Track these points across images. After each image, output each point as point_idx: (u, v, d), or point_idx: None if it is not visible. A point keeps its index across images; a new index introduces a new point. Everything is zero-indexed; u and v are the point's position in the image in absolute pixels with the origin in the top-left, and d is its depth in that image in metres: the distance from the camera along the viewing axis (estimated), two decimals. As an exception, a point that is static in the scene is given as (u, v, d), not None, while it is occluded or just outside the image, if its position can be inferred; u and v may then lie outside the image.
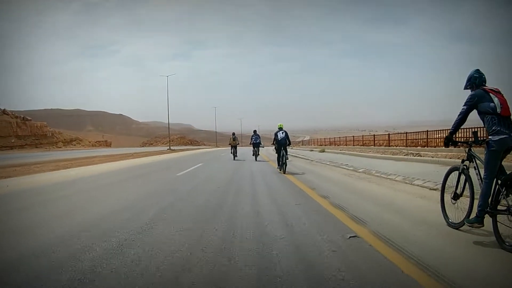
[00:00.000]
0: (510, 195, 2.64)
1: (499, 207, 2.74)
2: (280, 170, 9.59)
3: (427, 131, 15.07)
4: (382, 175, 7.66)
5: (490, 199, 2.79)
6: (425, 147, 14.56)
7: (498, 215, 2.72)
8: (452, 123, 3.18)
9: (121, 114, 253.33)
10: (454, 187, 3.32)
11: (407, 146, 16.03)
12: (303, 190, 6.02)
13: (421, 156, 11.45)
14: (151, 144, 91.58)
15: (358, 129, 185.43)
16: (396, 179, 6.95)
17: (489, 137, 2.85)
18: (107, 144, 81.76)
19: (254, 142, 15.67)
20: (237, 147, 17.63)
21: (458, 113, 3.08)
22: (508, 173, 2.76)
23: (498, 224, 2.69)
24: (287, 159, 9.78)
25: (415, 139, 16.15)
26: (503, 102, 2.86)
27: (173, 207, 4.58)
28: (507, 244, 2.57)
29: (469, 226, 2.94)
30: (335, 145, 29.86)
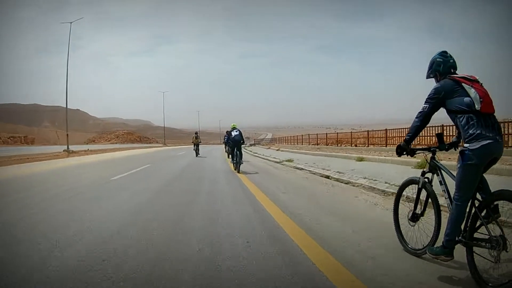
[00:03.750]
0: (493, 221, 1.98)
1: (476, 235, 2.07)
2: (235, 169, 9.55)
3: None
4: None
5: (463, 226, 2.14)
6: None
7: (475, 247, 2.05)
8: (409, 127, 2.37)
9: (78, 110, 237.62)
10: (412, 205, 2.63)
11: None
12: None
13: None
14: (93, 141, 79.66)
15: (323, 127, 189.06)
16: None
17: (465, 144, 2.07)
18: (28, 141, 59.40)
19: (226, 141, 14.14)
20: (199, 145, 18.98)
21: (417, 114, 2.28)
22: (492, 191, 2.06)
23: (475, 257, 2.03)
24: (241, 158, 9.73)
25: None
26: (483, 95, 2.07)
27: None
28: (490, 284, 1.90)
29: (433, 257, 2.25)
30: (312, 143, 24.29)
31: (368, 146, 16.57)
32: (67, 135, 24.06)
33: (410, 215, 2.64)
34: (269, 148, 31.93)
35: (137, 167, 11.13)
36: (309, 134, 27.67)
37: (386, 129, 15.70)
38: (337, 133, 23.31)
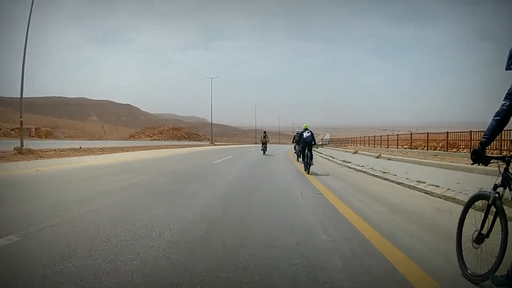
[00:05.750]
0: None
1: None
2: (305, 170, 9.81)
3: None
4: None
5: None
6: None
7: None
8: (486, 129, 2.01)
9: (129, 104, 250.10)
10: (479, 224, 2.17)
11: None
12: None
13: None
14: (133, 137, 73.01)
15: (379, 128, 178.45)
16: None
17: None
18: (40, 134, 48.66)
19: (300, 140, 11.89)
20: (267, 144, 20.74)
21: (495, 113, 1.95)
22: None
23: None
24: (311, 159, 9.87)
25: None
26: None
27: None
28: None
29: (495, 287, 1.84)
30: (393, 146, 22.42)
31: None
32: (21, 121, 14.78)
33: (475, 235, 2.19)
34: (356, 152, 20.61)
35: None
36: (394, 136, 24.17)
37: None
38: (411, 133, 21.27)
